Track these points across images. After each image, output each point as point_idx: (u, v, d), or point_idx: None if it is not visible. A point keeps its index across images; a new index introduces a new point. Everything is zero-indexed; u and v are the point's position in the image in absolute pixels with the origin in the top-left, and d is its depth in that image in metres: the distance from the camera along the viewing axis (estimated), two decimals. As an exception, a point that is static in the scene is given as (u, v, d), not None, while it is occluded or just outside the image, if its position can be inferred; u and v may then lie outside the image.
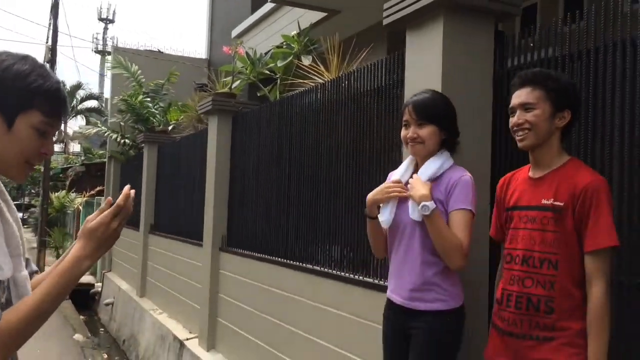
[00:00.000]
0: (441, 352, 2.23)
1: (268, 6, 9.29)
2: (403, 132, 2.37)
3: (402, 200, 2.36)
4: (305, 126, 4.37)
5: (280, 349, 4.40)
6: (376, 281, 3.33)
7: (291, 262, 4.36)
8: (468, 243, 2.18)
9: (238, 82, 6.08)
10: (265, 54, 6.63)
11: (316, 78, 5.25)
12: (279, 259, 4.57)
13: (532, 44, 2.68)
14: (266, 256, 4.81)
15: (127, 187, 1.33)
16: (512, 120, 2.07)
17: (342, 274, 3.68)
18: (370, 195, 2.40)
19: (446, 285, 2.24)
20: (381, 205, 2.39)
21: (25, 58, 1.28)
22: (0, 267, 1.20)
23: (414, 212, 2.23)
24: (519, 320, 2.00)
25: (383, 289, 3.24)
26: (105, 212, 1.29)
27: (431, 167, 2.28)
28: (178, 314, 7.06)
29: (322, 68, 5.17)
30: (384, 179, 3.18)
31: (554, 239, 1.94)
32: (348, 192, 3.73)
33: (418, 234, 2.26)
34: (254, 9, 11.29)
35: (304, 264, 4.17)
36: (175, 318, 7.14)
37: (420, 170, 2.31)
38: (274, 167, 4.83)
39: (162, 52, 13.12)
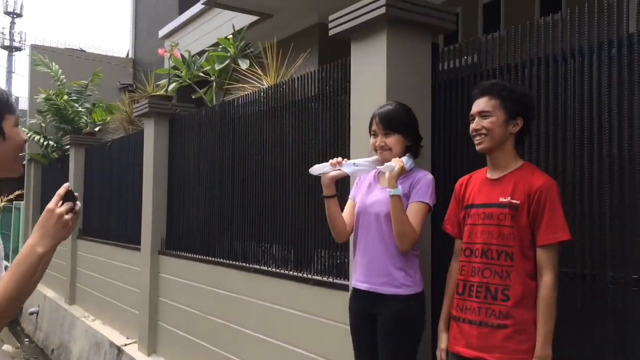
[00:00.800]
0: (407, 334, 2.45)
1: (198, 6, 9.24)
2: (372, 141, 2.62)
3: (371, 189, 2.61)
4: (248, 130, 4.47)
5: (227, 349, 4.48)
6: (323, 278, 3.50)
7: (236, 262, 4.45)
8: (419, 231, 2.45)
9: (174, 84, 6.06)
10: (199, 55, 6.64)
11: (254, 82, 5.36)
12: (223, 259, 4.64)
13: (465, 57, 2.93)
14: (209, 258, 4.87)
15: (65, 184, 1.49)
16: (472, 126, 2.29)
17: (288, 272, 3.83)
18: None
19: (411, 271, 2.48)
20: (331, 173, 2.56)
21: None
22: None
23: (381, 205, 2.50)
24: (478, 309, 2.20)
25: (328, 285, 3.43)
26: (51, 202, 1.44)
27: (408, 161, 2.54)
28: (113, 320, 6.94)
29: (260, 72, 5.28)
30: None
31: (510, 233, 2.15)
32: (291, 194, 3.88)
33: (384, 220, 2.48)
34: (181, 8, 11.18)
35: (249, 264, 4.28)
36: (110, 324, 7.01)
37: (405, 159, 2.52)
38: (216, 170, 4.89)
39: (85, 51, 12.68)
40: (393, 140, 2.56)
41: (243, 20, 8.03)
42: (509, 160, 2.26)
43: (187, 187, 5.40)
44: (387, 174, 2.44)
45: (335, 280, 3.39)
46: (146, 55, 13.07)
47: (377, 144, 2.59)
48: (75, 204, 1.47)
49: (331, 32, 3.21)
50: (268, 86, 4.35)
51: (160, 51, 6.14)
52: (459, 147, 2.92)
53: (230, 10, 7.75)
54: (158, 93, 5.92)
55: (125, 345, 6.15)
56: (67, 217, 1.44)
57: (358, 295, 2.59)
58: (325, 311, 3.46)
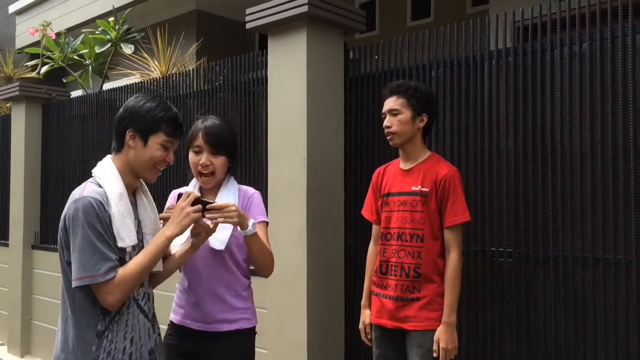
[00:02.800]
0: None
1: (60, -18, 8.58)
2: (193, 159, 2.24)
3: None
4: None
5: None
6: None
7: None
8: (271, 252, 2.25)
9: (46, 66, 5.64)
10: (66, 35, 6.22)
11: (142, 69, 5.20)
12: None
13: (376, 57, 3.21)
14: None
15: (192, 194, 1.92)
16: (384, 123, 2.53)
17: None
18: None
19: (249, 303, 2.28)
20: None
21: (155, 97, 1.92)
22: (122, 238, 1.77)
23: (217, 242, 2.17)
24: (394, 286, 2.47)
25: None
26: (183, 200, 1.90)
27: (231, 195, 2.27)
28: (-30, 323, 6.29)
29: (149, 59, 5.14)
30: (240, 171, 3.44)
31: (421, 217, 2.42)
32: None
33: (219, 260, 2.20)
34: (35, -17, 10.25)
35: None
36: (-34, 328, 6.34)
37: (223, 199, 2.22)
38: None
39: None
40: (220, 162, 2.22)
41: (114, 1, 7.66)
42: (418, 152, 2.51)
43: (67, 177, 5.09)
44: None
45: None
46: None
47: (201, 162, 2.21)
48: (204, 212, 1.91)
49: (248, 26, 3.30)
50: (171, 74, 4.27)
51: (30, 30, 5.65)
52: (370, 139, 3.18)
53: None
54: (29, 75, 5.46)
55: (-9, 348, 5.64)
56: (189, 209, 1.87)
57: (182, 334, 2.25)
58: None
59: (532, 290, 2.59)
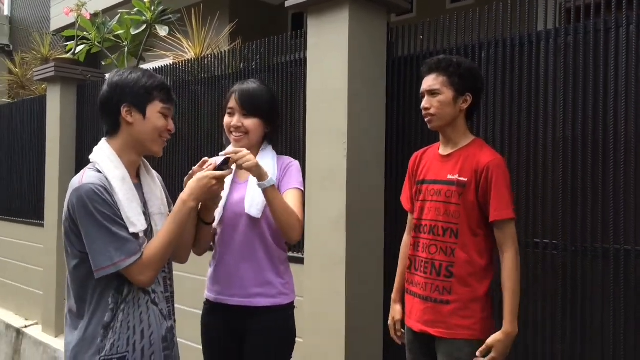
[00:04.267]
0: (286, 349, 2.21)
1: (94, -36, 8.55)
2: (226, 120, 2.21)
3: (233, 189, 2.20)
4: (181, 99, 4.29)
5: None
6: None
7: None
8: (302, 218, 2.16)
9: (82, 47, 5.60)
10: (102, 14, 6.16)
11: (177, 51, 5.13)
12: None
13: (421, 36, 3.05)
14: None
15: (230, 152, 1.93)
16: (422, 104, 2.23)
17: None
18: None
19: (287, 277, 2.22)
20: None
21: (134, 68, 1.89)
22: (133, 223, 1.71)
23: (251, 207, 2.11)
24: (424, 284, 2.19)
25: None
26: (197, 170, 1.87)
27: (271, 160, 2.21)
28: (6, 301, 6.39)
29: (183, 40, 5.06)
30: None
31: (456, 210, 2.13)
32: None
33: (254, 229, 2.14)
34: (71, -35, 10.26)
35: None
36: (2, 306, 6.45)
37: (265, 166, 2.09)
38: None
39: (-47, 4, 11.23)
40: (252, 123, 2.16)
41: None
42: (459, 137, 2.23)
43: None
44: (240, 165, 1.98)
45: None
46: (26, 13, 11.89)
47: (232, 123, 2.17)
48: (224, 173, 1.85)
49: (288, 3, 3.17)
50: (207, 55, 4.18)
51: (65, 10, 5.62)
52: (414, 124, 3.04)
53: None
54: (64, 56, 5.44)
55: (26, 327, 5.71)
56: (215, 186, 1.83)
57: (220, 310, 2.18)
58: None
59: (588, 285, 2.42)
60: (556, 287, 2.48)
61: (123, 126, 1.78)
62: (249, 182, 2.15)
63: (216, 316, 2.19)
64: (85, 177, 1.70)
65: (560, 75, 2.50)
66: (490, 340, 2.06)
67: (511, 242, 2.11)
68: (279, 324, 2.16)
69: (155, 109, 1.79)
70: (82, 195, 1.65)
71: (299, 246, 3.32)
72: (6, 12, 12.18)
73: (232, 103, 2.19)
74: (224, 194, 2.12)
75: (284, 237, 2.17)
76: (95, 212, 1.64)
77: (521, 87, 2.63)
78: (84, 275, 1.70)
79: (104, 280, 1.68)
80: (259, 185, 2.00)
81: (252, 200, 2.11)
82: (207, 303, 2.23)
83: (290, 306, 2.21)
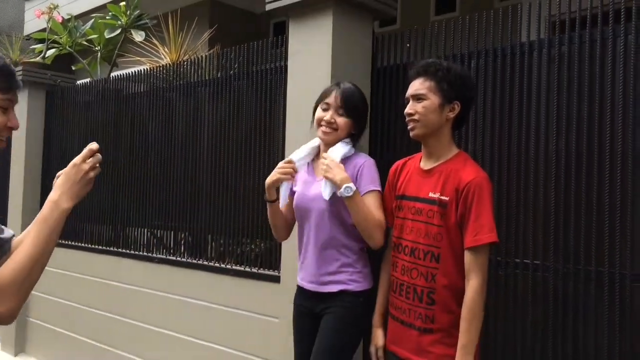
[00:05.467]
0: (353, 334, 2.28)
1: (71, -32, 8.33)
2: (320, 114, 2.36)
3: (308, 183, 2.40)
4: (152, 106, 4.09)
5: (121, 346, 4.09)
6: (246, 269, 3.31)
7: (136, 252, 4.07)
8: (384, 219, 2.24)
9: (52, 51, 5.38)
10: (76, 19, 5.95)
11: (152, 56, 4.94)
12: (117, 249, 4.23)
13: (408, 44, 2.91)
14: (98, 247, 4.41)
15: (93, 145, 1.44)
16: (406, 110, 2.10)
17: (203, 262, 3.58)
18: (267, 179, 2.38)
19: (359, 266, 2.31)
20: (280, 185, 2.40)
21: None
22: None
23: (325, 191, 2.25)
24: (407, 309, 2.07)
25: (253, 276, 3.26)
26: (78, 157, 1.41)
27: (340, 150, 2.30)
28: (-35, 316, 6.05)
29: (159, 46, 4.87)
30: (250, 162, 3.19)
31: (437, 232, 2.00)
32: (207, 181, 3.63)
33: (328, 216, 2.29)
34: (47, -31, 10.02)
35: (154, 254, 3.94)
36: (-40, 322, 6.10)
37: (332, 154, 2.29)
38: (109, 151, 4.42)
39: None
40: (344, 122, 2.32)
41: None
42: (442, 148, 2.09)
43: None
44: (322, 173, 2.25)
45: (260, 271, 3.22)
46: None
47: (326, 117, 2.32)
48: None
49: (268, 7, 3.01)
50: (182, 61, 4.00)
51: (36, 12, 5.40)
52: (399, 136, 2.88)
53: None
54: (33, 60, 5.21)
55: (-16, 345, 5.38)
56: (91, 174, 1.42)
57: (304, 294, 2.40)
58: (248, 304, 3.27)
59: (580, 309, 2.28)
60: (547, 311, 2.33)
61: None
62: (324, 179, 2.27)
63: (300, 299, 2.42)
64: None
65: (553, 86, 2.38)
66: None
67: (480, 270, 1.95)
68: (346, 309, 2.25)
69: None
70: None
71: (276, 264, 3.14)
72: (-22, 15, 11.84)
73: (331, 99, 2.33)
74: (301, 186, 2.40)
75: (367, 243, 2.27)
76: None
77: (512, 98, 2.49)
78: None
79: None
80: (339, 194, 2.18)
81: (326, 196, 2.25)
82: (297, 286, 2.45)
83: (362, 294, 2.28)
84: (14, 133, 4.39)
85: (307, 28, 2.89)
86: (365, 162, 2.31)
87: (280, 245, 3.03)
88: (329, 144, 2.36)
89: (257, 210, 3.28)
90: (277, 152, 3.19)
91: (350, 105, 2.32)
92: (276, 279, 3.04)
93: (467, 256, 1.96)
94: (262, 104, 3.33)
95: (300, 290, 2.43)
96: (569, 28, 2.37)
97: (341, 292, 2.27)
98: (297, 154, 2.45)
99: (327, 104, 2.34)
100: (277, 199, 2.41)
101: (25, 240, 1.32)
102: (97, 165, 1.43)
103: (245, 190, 3.38)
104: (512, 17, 2.54)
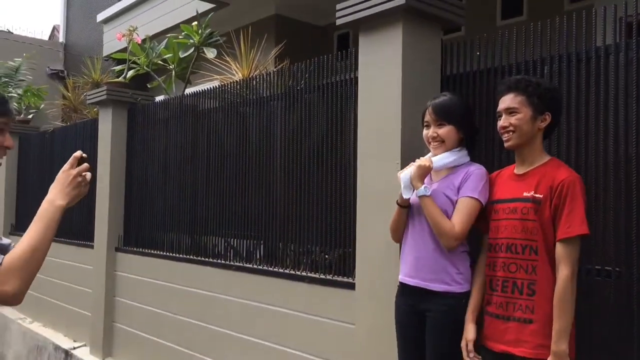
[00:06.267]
0: (457, 333, 2.34)
1: (144, -9, 8.80)
2: (424, 132, 2.53)
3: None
4: (226, 121, 4.28)
5: (201, 351, 4.28)
6: (321, 276, 3.40)
7: (216, 260, 4.26)
8: (462, 226, 2.32)
9: (131, 71, 5.72)
10: (150, 40, 6.29)
11: (225, 73, 5.16)
12: (200, 257, 4.43)
13: (478, 53, 2.92)
14: (181, 255, 4.63)
15: (77, 152, 1.65)
16: (499, 123, 2.28)
17: (278, 270, 3.70)
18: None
19: (461, 268, 2.39)
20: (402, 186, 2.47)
21: None
22: None
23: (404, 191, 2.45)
24: (505, 304, 2.19)
25: (327, 282, 3.34)
26: (67, 164, 1.62)
27: (447, 157, 2.45)
28: (56, 322, 6.47)
29: (231, 62, 5.08)
30: (320, 176, 3.27)
31: (534, 227, 2.14)
32: (280, 190, 3.76)
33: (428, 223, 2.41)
34: (121, -8, 10.60)
35: (232, 262, 4.11)
36: (52, 327, 6.53)
37: (435, 157, 2.46)
38: (187, 164, 4.65)
39: (12, 33, 11.77)
40: (446, 132, 2.45)
41: (195, 6, 7.73)
42: (535, 156, 2.26)
43: (151, 181, 5.11)
44: (401, 179, 2.45)
45: (335, 278, 3.30)
46: (79, 40, 12.33)
47: (429, 134, 2.50)
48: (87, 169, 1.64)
49: (339, 22, 3.10)
50: (255, 75, 4.16)
51: (118, 35, 5.76)
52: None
53: (186, -3, 7.43)
54: (116, 80, 5.55)
55: (74, 348, 5.75)
56: (79, 178, 1.62)
57: (406, 291, 2.50)
58: (323, 310, 3.36)
59: (668, 318, 2.21)
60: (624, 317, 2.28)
61: None
62: (436, 183, 2.45)
63: (402, 295, 2.53)
64: None
65: (631, 90, 2.33)
66: None
67: (570, 261, 2.08)
68: (450, 309, 2.35)
69: None
70: None
71: (350, 271, 3.21)
72: (61, 39, 12.66)
73: (427, 116, 2.51)
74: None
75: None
76: None
77: (588, 103, 2.46)
78: None
79: None
80: (416, 193, 2.38)
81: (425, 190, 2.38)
82: (399, 283, 2.55)
83: (464, 295, 2.37)
84: (101, 151, 4.73)
85: (377, 40, 2.96)
86: (475, 171, 2.42)
87: (354, 253, 3.10)
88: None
89: (329, 218, 3.38)
90: (349, 163, 3.27)
91: (444, 113, 2.45)
92: (351, 286, 3.11)
93: (559, 247, 2.10)
94: (332, 115, 3.42)
95: (403, 288, 2.54)
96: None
97: (445, 292, 2.37)
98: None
99: (427, 121, 2.51)
100: (409, 205, 2.50)
101: (27, 232, 1.51)
102: (87, 171, 1.63)
103: (318, 199, 3.48)
104: (586, 20, 2.51)
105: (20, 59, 9.37)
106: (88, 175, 1.64)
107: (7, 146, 1.66)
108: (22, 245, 1.49)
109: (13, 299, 1.45)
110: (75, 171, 1.62)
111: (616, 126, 2.36)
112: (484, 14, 6.17)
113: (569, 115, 2.49)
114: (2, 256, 1.46)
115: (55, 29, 18.17)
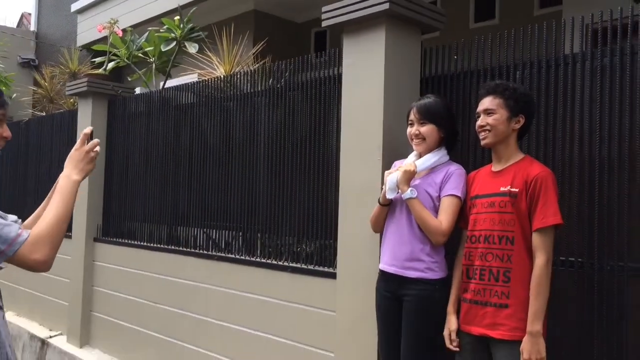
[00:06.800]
0: (431, 316, 2.55)
1: (121, -18, 8.76)
2: (408, 130, 2.72)
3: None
4: (210, 115, 4.38)
5: (182, 338, 4.39)
6: (303, 266, 3.56)
7: (196, 250, 4.37)
8: (449, 223, 2.53)
9: (112, 63, 5.74)
10: (131, 31, 6.30)
11: (206, 67, 5.24)
12: (180, 247, 4.53)
13: (455, 57, 3.11)
14: (159, 245, 4.73)
15: (87, 129, 1.78)
16: (477, 122, 2.48)
17: (260, 260, 3.84)
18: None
19: (435, 257, 2.58)
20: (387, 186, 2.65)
21: None
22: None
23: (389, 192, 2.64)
24: (482, 290, 2.39)
25: (308, 272, 3.49)
26: (78, 142, 1.76)
27: (429, 159, 2.65)
28: (31, 312, 6.47)
29: (213, 58, 5.17)
30: (304, 170, 3.42)
31: (511, 219, 2.33)
32: (264, 183, 3.89)
33: (407, 211, 2.61)
34: (97, -18, 10.50)
35: (213, 252, 4.22)
36: (26, 316, 6.53)
37: (418, 161, 2.64)
38: (168, 156, 4.73)
39: (-18, 20, 11.49)
40: (427, 130, 2.64)
41: (174, 1, 7.76)
42: (510, 154, 2.45)
43: (130, 172, 5.17)
44: (386, 187, 2.62)
45: (317, 268, 3.46)
46: (51, 29, 12.16)
47: (412, 132, 2.69)
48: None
49: (324, 24, 3.24)
50: (238, 72, 4.27)
51: (99, 27, 5.77)
52: (447, 141, 3.08)
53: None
54: (96, 72, 5.57)
55: (51, 337, 5.77)
56: (92, 154, 1.75)
57: (385, 278, 2.68)
58: (305, 298, 3.51)
59: (625, 305, 2.44)
60: (592, 307, 2.50)
61: None
62: (418, 179, 2.65)
63: (382, 282, 2.71)
64: None
65: (595, 96, 2.55)
66: (521, 346, 2.25)
67: (545, 249, 2.28)
68: (424, 295, 2.54)
69: None
70: None
71: (331, 261, 3.37)
72: (33, 27, 12.46)
73: (412, 115, 2.70)
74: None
75: None
76: None
77: (556, 107, 2.67)
78: None
79: None
80: (402, 196, 2.56)
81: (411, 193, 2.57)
82: (379, 271, 2.74)
83: (438, 282, 2.56)
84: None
85: (360, 42, 3.12)
86: (456, 170, 2.62)
87: (335, 244, 3.26)
88: (423, 154, 2.69)
89: (309, 211, 3.53)
90: (331, 159, 3.42)
91: (427, 113, 2.65)
92: (332, 275, 3.27)
93: (535, 237, 2.29)
94: (315, 112, 3.56)
95: (382, 275, 2.73)
96: (611, 37, 2.52)
97: (419, 279, 2.56)
98: (405, 162, 2.72)
99: (411, 120, 2.71)
100: (390, 204, 2.69)
101: (50, 206, 1.65)
102: (96, 147, 1.77)
103: (300, 192, 3.62)
104: (555, 28, 2.70)
105: (-9, 47, 9.21)
106: (98, 149, 1.77)
107: (6, 137, 1.74)
108: (47, 217, 1.62)
109: (44, 266, 1.58)
110: (88, 147, 1.75)
111: (581, 129, 2.57)
112: (457, 16, 6.38)
113: (539, 117, 2.70)
114: (24, 229, 1.58)
115: (24, 16, 17.81)
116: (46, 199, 1.87)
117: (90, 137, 1.78)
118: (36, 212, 1.90)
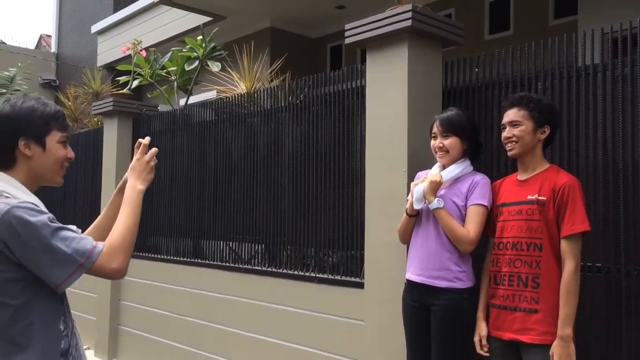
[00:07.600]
0: (460, 325, 2.59)
1: (141, 3, 9.00)
2: (432, 143, 2.78)
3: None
4: (235, 131, 4.49)
5: (208, 349, 4.46)
6: (329, 277, 3.63)
7: (223, 263, 4.46)
8: (476, 232, 2.59)
9: (135, 82, 5.90)
10: (154, 51, 6.47)
11: (228, 85, 5.37)
12: (207, 261, 4.62)
13: (476, 70, 3.19)
14: (186, 259, 4.82)
15: (145, 139, 1.85)
16: (503, 134, 2.55)
17: (289, 272, 3.92)
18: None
19: (463, 266, 2.63)
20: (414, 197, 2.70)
21: (24, 96, 1.75)
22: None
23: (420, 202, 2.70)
24: (511, 295, 2.45)
25: (335, 282, 3.56)
26: (138, 153, 1.84)
27: (453, 170, 2.71)
28: (58, 327, 6.58)
29: (234, 75, 5.30)
30: (325, 184, 3.50)
31: (539, 226, 2.39)
32: (288, 194, 3.98)
33: (433, 221, 2.66)
34: (117, 4, 10.79)
35: (240, 265, 4.31)
36: (53, 332, 6.64)
37: (443, 172, 2.70)
38: (194, 171, 4.85)
39: (4, 43, 11.84)
40: (451, 143, 2.70)
41: (192, 20, 7.95)
42: (536, 163, 2.52)
43: (156, 187, 5.28)
44: (413, 198, 2.68)
45: (344, 278, 3.52)
46: (71, 50, 12.45)
47: (435, 145, 2.75)
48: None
49: (347, 41, 3.35)
50: (261, 88, 4.39)
51: (123, 48, 5.94)
52: (470, 152, 3.15)
53: (182, 10, 7.64)
54: (121, 92, 5.73)
55: (79, 352, 5.86)
56: (152, 163, 1.83)
57: (412, 288, 2.73)
58: (333, 308, 3.58)
59: (652, 309, 2.48)
60: (620, 312, 2.54)
61: (21, 160, 1.69)
62: (443, 189, 2.69)
63: (409, 292, 2.76)
64: (7, 201, 1.55)
65: (617, 105, 2.61)
66: (551, 350, 2.31)
67: (574, 256, 2.34)
68: (453, 304, 2.58)
69: (54, 139, 1.73)
70: (18, 215, 1.53)
71: (358, 271, 3.44)
72: (53, 49, 12.76)
73: (435, 128, 2.75)
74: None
75: None
76: (41, 224, 1.54)
77: (578, 116, 2.73)
78: (15, 311, 1.57)
79: (47, 309, 1.62)
80: (430, 207, 2.62)
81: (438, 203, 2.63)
82: (406, 281, 2.78)
83: (467, 291, 2.61)
84: (106, 160, 4.93)
85: (383, 57, 3.21)
86: (481, 180, 2.69)
87: (362, 254, 3.33)
88: (446, 166, 2.75)
89: (334, 223, 3.61)
90: (356, 171, 3.50)
91: (450, 125, 2.70)
92: (360, 285, 3.34)
93: (564, 244, 2.36)
94: (338, 126, 3.66)
95: (410, 285, 2.78)
96: (630, 46, 2.59)
97: (448, 288, 2.60)
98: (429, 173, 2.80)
99: (434, 133, 2.76)
100: (418, 214, 2.75)
101: (120, 215, 1.72)
102: (155, 156, 1.84)
103: (325, 204, 3.70)
104: (575, 39, 2.77)
105: (15, 69, 9.47)
106: (155, 160, 1.84)
107: (70, 158, 1.78)
108: (118, 227, 1.69)
109: (120, 273, 1.64)
110: (148, 157, 1.82)
111: (604, 137, 2.64)
112: (472, 28, 6.47)
113: (562, 127, 2.76)
114: (96, 242, 1.62)
115: (42, 38, 18.23)
116: (105, 208, 1.99)
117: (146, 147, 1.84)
118: (96, 222, 2.00)
